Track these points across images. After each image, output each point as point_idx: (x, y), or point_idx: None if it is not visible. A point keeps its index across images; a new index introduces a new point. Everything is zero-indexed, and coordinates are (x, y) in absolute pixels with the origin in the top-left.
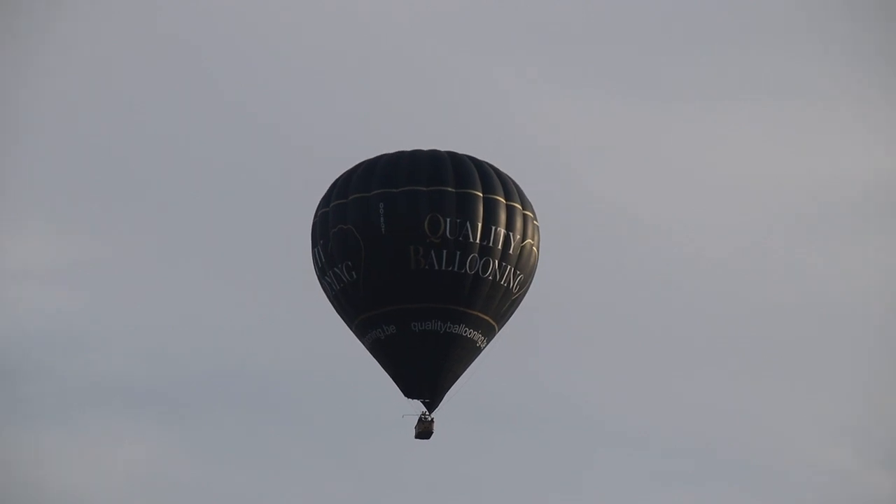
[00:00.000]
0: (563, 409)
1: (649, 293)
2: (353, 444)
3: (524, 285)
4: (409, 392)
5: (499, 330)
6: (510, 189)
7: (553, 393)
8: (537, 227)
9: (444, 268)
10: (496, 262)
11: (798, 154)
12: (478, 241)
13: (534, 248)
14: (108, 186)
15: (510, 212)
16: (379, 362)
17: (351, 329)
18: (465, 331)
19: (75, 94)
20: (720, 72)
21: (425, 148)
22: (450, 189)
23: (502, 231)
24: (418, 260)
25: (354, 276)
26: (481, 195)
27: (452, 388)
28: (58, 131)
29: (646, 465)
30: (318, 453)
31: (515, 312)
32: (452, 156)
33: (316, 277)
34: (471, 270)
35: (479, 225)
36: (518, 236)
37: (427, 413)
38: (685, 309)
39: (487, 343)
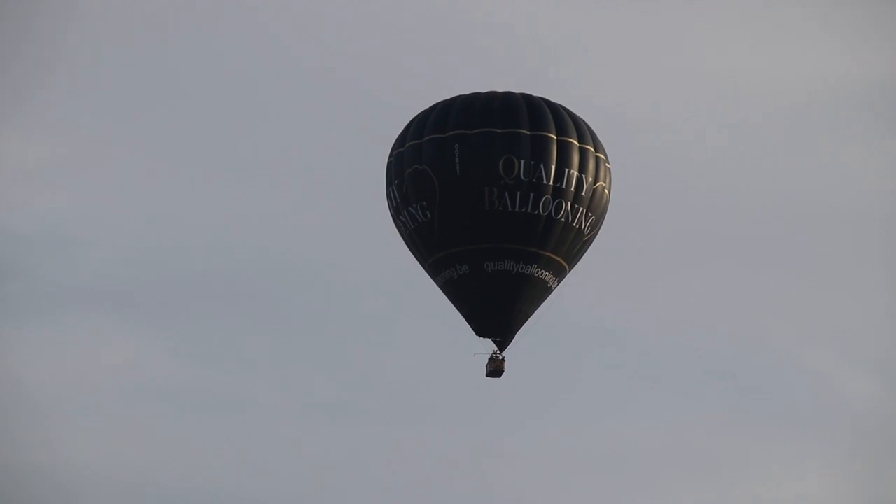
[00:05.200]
0: (629, 344)
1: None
2: (425, 383)
3: (595, 227)
4: (480, 331)
5: (569, 271)
6: (583, 131)
7: (621, 329)
8: (609, 169)
9: (517, 209)
10: (568, 203)
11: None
12: (551, 182)
13: (605, 191)
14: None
15: (583, 154)
16: (451, 301)
17: (424, 268)
18: (537, 271)
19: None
20: None
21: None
22: (524, 131)
23: (575, 173)
24: (492, 201)
25: (429, 216)
26: (555, 137)
27: (523, 327)
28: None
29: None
30: (389, 391)
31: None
32: (527, 98)
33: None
34: (544, 212)
35: (553, 167)
36: (590, 178)
37: (498, 352)
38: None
39: (558, 283)
